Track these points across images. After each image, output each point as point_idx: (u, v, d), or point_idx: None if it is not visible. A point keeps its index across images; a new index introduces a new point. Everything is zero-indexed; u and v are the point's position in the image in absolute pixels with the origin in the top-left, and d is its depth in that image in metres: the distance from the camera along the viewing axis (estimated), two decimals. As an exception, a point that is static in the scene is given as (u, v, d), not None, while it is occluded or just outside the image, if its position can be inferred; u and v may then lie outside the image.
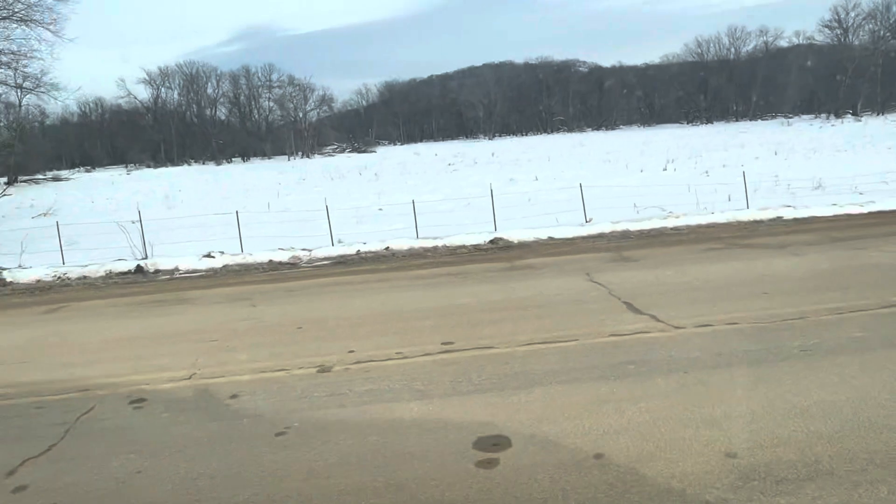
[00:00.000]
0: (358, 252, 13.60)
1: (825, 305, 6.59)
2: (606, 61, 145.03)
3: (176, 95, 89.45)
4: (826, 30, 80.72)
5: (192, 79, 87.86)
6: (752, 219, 14.03)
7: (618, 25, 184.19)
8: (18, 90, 60.57)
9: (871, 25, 77.04)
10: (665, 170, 33.47)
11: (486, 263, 10.76)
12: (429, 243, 13.69)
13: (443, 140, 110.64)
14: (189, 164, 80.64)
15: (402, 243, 13.84)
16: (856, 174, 19.77)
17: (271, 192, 35.76)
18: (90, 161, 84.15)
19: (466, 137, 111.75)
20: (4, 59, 28.59)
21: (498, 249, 12.62)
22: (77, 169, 78.30)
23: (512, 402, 4.83)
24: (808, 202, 15.90)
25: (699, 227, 13.29)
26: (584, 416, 4.49)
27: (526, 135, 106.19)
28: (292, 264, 12.73)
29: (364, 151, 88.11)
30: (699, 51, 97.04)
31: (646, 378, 5.09)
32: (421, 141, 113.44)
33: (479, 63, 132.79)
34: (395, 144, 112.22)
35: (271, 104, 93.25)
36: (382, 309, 8.01)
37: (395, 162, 58.89)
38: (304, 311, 8.18)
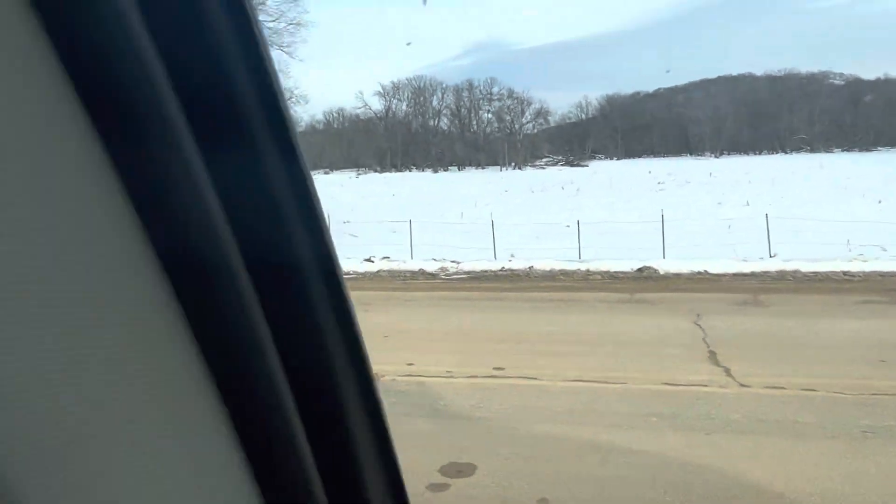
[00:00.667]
0: (502, 269, 13.97)
1: (948, 385, 5.55)
2: (868, 73, 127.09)
3: (404, 107, 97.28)
4: None
5: (420, 91, 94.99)
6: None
7: (884, 32, 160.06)
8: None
9: None
10: (917, 203, 28.92)
11: (607, 293, 10.49)
12: (572, 266, 13.60)
13: (664, 156, 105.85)
14: (410, 171, 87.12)
15: (545, 264, 13.91)
16: None
17: (472, 202, 37.51)
18: (330, 165, 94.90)
19: (691, 155, 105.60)
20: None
21: (636, 279, 12.15)
22: (316, 171, 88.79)
23: (506, 435, 4.92)
24: None
25: (883, 274, 11.48)
26: (563, 461, 4.45)
27: (759, 154, 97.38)
28: (433, 275, 13.51)
29: (576, 165, 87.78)
30: None
31: (658, 433, 4.83)
32: (641, 157, 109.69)
33: (713, 76, 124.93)
34: (611, 159, 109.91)
35: (490, 116, 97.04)
36: (469, 327, 8.34)
37: (604, 178, 57.97)
38: (402, 321, 8.81)
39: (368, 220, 25.31)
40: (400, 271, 14.12)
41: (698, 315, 8.45)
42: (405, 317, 9.16)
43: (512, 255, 15.59)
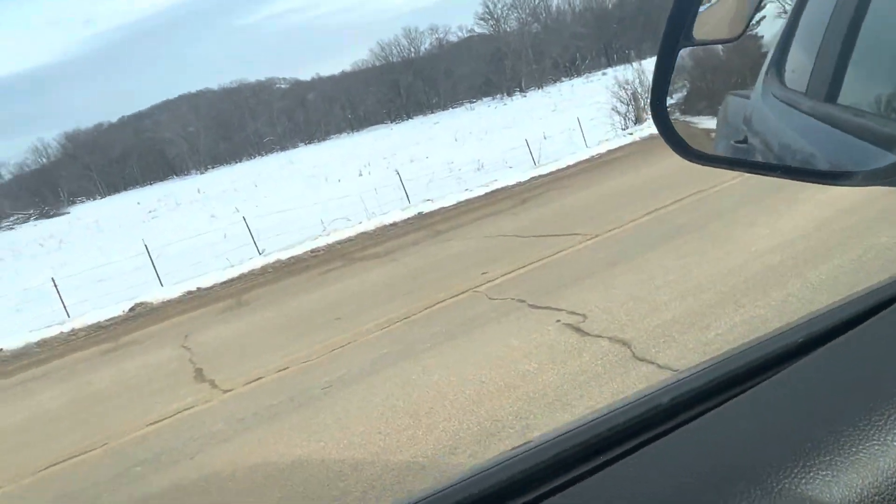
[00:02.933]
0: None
1: (382, 318, 6.69)
2: (305, 75, 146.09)
3: None
4: (482, 22, 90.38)
5: None
6: (394, 221, 14.55)
7: (307, 41, 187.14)
8: None
9: (516, 14, 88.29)
10: (360, 175, 34.27)
11: (85, 351, 9.46)
12: (53, 332, 11.85)
13: (150, 184, 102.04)
14: None
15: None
16: (511, 149, 21.94)
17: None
18: None
19: (176, 175, 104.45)
20: None
21: (128, 320, 11.32)
22: None
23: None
24: (468, 184, 17.09)
25: (343, 241, 13.38)
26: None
27: (240, 161, 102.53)
28: None
29: (55, 215, 77.40)
30: (384, 54, 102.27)
31: (143, 482, 4.52)
32: (125, 189, 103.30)
33: (174, 96, 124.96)
34: (94, 199, 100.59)
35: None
36: None
37: (89, 222, 52.65)
38: None
39: None
40: None
41: (186, 336, 8.34)
42: None
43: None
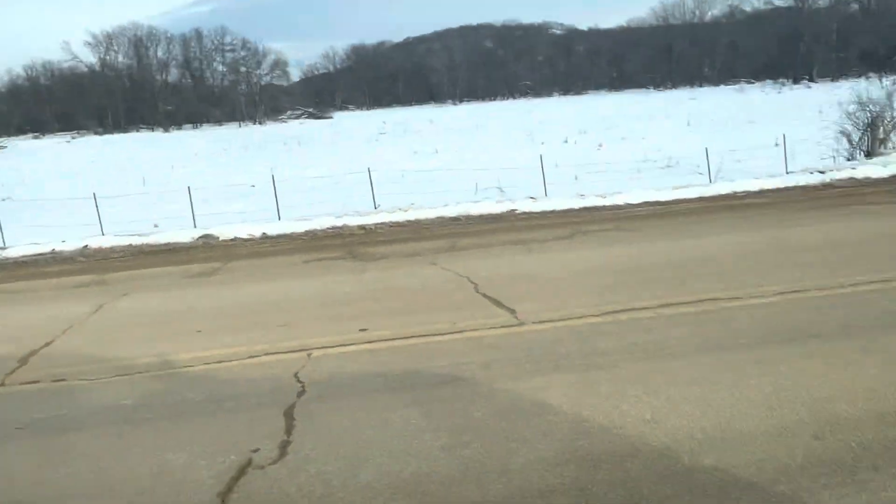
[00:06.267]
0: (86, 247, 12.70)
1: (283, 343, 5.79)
2: (583, 24, 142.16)
3: (121, 58, 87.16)
4: (787, -7, 78.81)
5: (140, 41, 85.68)
6: (481, 213, 12.85)
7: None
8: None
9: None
10: (566, 142, 32.47)
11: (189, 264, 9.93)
12: (136, 240, 12.66)
13: (409, 105, 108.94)
14: (137, 132, 79.08)
15: (102, 241, 12.82)
16: (731, 150, 18.83)
17: (184, 164, 35.18)
18: (40, 127, 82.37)
19: (434, 102, 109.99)
20: None
21: (198, 249, 11.71)
22: (23, 136, 76.74)
23: None
24: (641, 184, 14.86)
25: (428, 220, 12.35)
26: None
27: (492, 100, 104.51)
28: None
29: (320, 118, 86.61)
30: (664, 14, 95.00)
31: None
32: (388, 106, 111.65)
33: (455, 25, 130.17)
34: (360, 110, 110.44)
35: (224, 69, 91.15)
36: None
37: (336, 130, 58.08)
38: None
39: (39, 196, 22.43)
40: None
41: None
42: None
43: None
